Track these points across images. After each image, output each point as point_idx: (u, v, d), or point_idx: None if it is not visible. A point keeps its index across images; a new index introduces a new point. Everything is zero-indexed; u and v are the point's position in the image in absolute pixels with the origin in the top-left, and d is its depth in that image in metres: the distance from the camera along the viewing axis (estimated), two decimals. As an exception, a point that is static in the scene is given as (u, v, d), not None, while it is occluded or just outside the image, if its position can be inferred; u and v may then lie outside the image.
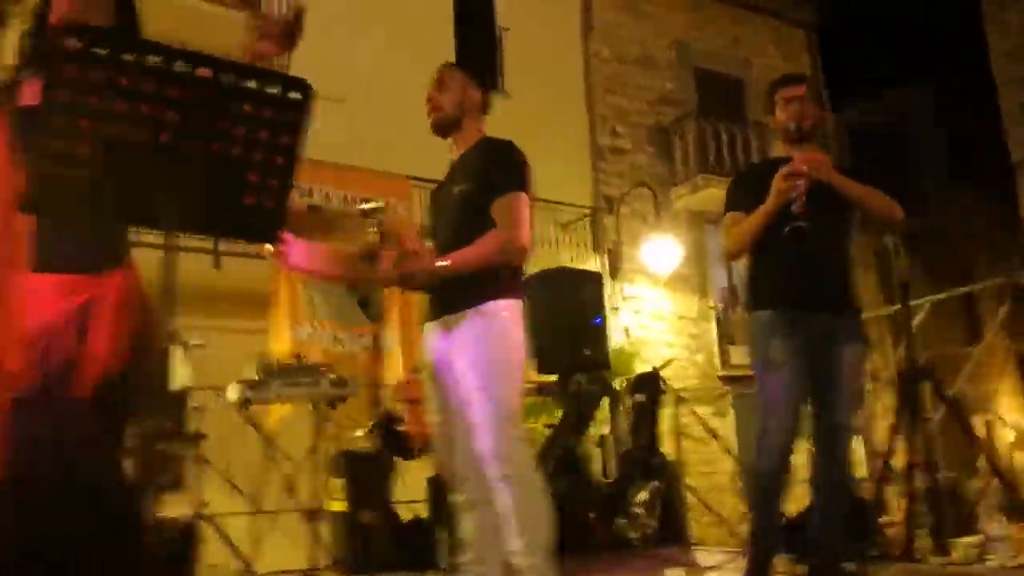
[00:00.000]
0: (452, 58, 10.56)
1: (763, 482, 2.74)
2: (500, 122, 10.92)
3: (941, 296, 5.58)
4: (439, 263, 2.37)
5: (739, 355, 11.71)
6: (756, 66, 13.86)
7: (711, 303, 12.22)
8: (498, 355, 2.32)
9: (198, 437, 4.05)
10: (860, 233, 3.50)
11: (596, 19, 12.05)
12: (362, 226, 2.38)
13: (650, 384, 5.26)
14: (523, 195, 2.43)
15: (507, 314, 2.37)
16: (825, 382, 2.77)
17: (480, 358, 2.31)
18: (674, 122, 12.19)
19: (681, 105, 12.38)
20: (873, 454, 6.14)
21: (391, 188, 8.45)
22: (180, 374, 4.05)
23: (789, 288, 2.79)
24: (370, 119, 9.23)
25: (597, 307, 5.13)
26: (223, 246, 7.59)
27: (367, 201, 2.57)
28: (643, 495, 4.76)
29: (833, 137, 14.33)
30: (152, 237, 1.70)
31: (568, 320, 4.99)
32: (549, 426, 5.41)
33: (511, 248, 2.38)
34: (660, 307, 11.61)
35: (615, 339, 10.93)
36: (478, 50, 10.98)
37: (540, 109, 10.89)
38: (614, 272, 11.15)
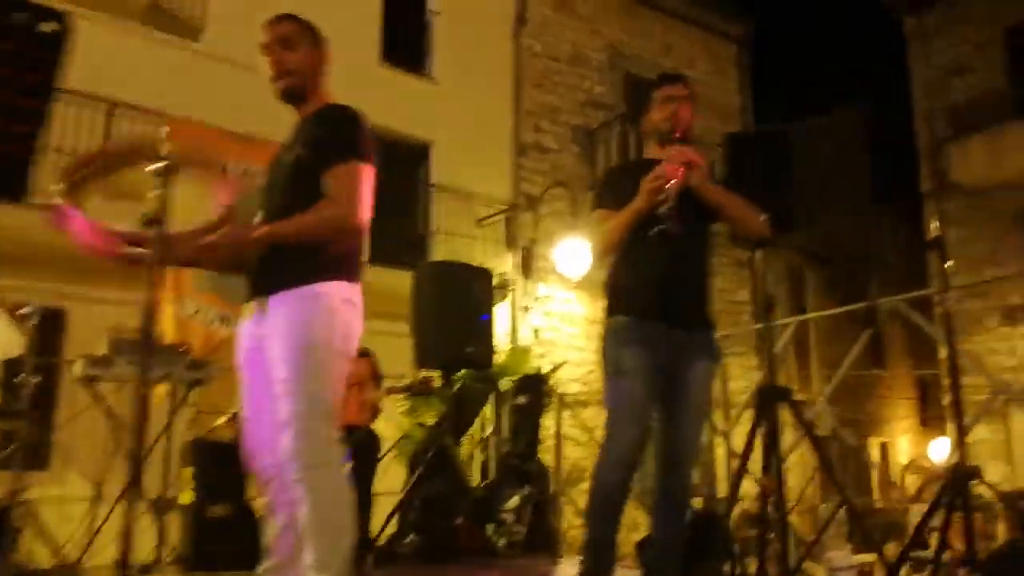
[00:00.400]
0: (377, 39, 10.35)
1: (603, 494, 2.59)
2: (425, 108, 10.80)
3: (799, 318, 5.57)
4: (251, 233, 2.12)
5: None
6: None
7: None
8: (313, 344, 2.08)
9: (21, 414, 3.69)
10: (735, 246, 3.43)
11: (530, 13, 11.89)
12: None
13: (534, 386, 5.11)
14: (361, 166, 2.17)
15: (331, 298, 2.12)
16: (674, 397, 2.66)
17: (292, 346, 2.07)
18: (601, 125, 12.13)
19: (609, 109, 12.32)
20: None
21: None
22: (7, 342, 3.69)
23: (650, 297, 2.65)
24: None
25: (486, 304, 4.95)
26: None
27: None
28: (514, 501, 4.61)
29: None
30: None
31: (454, 315, 4.79)
32: (422, 424, 5.21)
33: (340, 223, 2.13)
34: (572, 310, 11.53)
35: (521, 338, 10.86)
36: (406, 31, 10.70)
37: (466, 99, 10.68)
38: (527, 271, 11.02)
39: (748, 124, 14.73)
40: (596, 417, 7.67)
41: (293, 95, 2.34)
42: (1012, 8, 13.45)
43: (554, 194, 11.30)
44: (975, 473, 2.35)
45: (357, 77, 9.70)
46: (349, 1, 9.90)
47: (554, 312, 11.31)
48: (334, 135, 2.19)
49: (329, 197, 2.13)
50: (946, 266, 2.67)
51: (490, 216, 10.48)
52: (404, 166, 10.53)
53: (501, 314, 10.80)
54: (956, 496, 2.38)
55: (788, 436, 3.55)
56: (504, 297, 10.36)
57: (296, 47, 2.31)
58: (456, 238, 10.05)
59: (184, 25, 8.51)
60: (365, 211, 2.15)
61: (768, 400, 3.00)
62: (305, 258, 2.12)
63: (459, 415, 5.03)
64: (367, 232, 2.22)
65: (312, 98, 2.33)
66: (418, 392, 4.05)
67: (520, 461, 4.87)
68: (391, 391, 4.01)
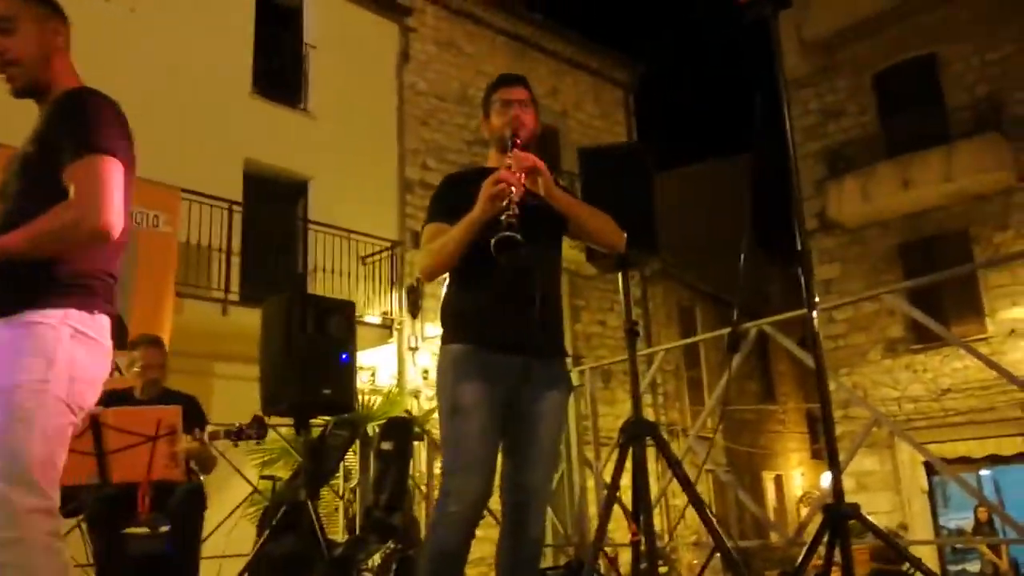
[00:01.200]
0: (248, 70, 9.90)
1: (440, 561, 2.21)
2: (301, 142, 10.33)
3: (661, 348, 5.41)
4: None
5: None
6: (573, 118, 14.01)
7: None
8: (18, 386, 1.64)
9: None
10: (596, 268, 3.15)
11: (413, 50, 11.69)
12: None
13: (400, 430, 4.69)
14: (106, 159, 1.75)
15: (51, 329, 1.68)
16: (521, 436, 2.31)
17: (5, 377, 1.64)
18: (489, 164, 11.97)
19: (497, 147, 12.18)
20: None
21: (158, 199, 7.53)
22: None
23: (491, 321, 2.30)
24: (149, 127, 8.26)
25: (347, 342, 4.52)
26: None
27: None
28: (376, 559, 4.15)
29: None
30: None
31: (306, 355, 4.34)
32: (269, 477, 4.71)
33: (78, 229, 1.71)
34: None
35: (410, 380, 10.41)
36: (281, 63, 10.28)
37: (347, 135, 10.31)
38: (414, 310, 10.63)
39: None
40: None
41: (28, 91, 1.89)
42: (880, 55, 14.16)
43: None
44: (850, 513, 2.11)
45: (227, 108, 9.27)
46: (219, 29, 9.46)
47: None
48: (67, 126, 1.76)
49: (72, 197, 1.72)
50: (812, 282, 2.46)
51: (373, 254, 10.07)
52: (281, 202, 10.03)
53: (386, 356, 10.35)
54: (834, 535, 2.13)
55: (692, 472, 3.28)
56: (389, 337, 9.92)
57: (15, 29, 1.84)
58: (338, 277, 9.58)
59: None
60: (114, 214, 1.72)
61: (634, 436, 2.70)
62: (21, 278, 1.68)
63: (316, 465, 4.54)
64: (117, 243, 1.81)
65: (53, 85, 1.88)
66: (244, 437, 3.57)
67: (385, 514, 4.41)
68: (211, 437, 3.51)
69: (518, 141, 2.34)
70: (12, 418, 1.61)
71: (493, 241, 2.08)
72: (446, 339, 2.37)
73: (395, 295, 10.27)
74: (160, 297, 7.45)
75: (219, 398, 6.77)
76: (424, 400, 10.45)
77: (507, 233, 2.07)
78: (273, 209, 9.85)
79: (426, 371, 10.57)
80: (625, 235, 2.50)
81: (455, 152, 11.87)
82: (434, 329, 10.76)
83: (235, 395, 5.59)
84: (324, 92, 10.38)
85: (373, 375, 10.00)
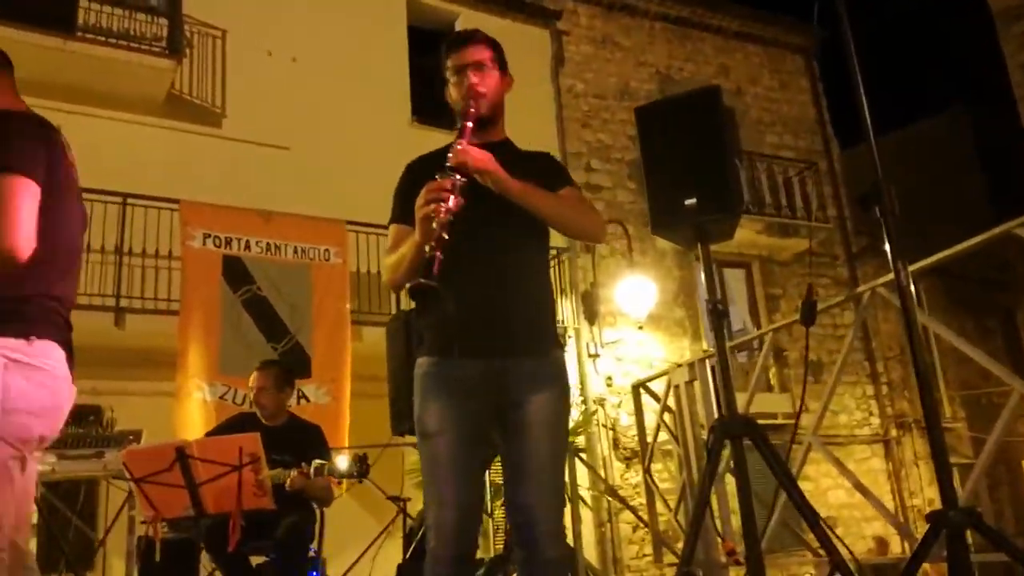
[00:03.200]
0: (407, 96, 10.18)
1: None
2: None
3: (767, 330, 4.68)
4: None
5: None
6: (748, 94, 13.13)
7: (704, 347, 11.31)
8: None
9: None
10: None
11: (567, 53, 11.49)
12: None
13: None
14: (10, 179, 1.65)
15: None
16: (511, 450, 2.01)
17: None
18: (658, 156, 11.47)
19: (665, 138, 11.65)
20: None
21: (326, 233, 7.90)
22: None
23: (458, 327, 2.02)
24: (317, 166, 8.73)
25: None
26: (125, 302, 7.10)
27: None
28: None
29: (845, 173, 13.45)
30: None
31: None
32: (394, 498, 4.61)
33: None
34: (648, 352, 10.73)
35: (592, 388, 10.12)
36: (435, 89, 10.47)
37: (504, 147, 10.28)
38: (591, 316, 10.36)
39: (828, 137, 13.70)
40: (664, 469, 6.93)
41: None
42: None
43: (612, 233, 10.68)
44: (967, 520, 1.59)
45: (389, 138, 9.56)
46: (375, 63, 9.81)
47: (627, 356, 10.53)
48: None
49: None
50: None
51: (542, 264, 9.93)
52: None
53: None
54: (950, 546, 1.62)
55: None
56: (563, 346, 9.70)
57: None
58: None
59: (205, 113, 8.56)
60: (19, 237, 1.62)
61: (727, 435, 2.28)
62: None
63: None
64: (64, 265, 1.74)
65: None
66: (346, 476, 3.42)
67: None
68: (316, 473, 3.38)
69: (468, 126, 2.03)
70: None
71: (408, 288, 1.83)
72: (417, 352, 2.12)
73: (567, 302, 10.05)
74: (338, 326, 7.75)
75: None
76: (610, 408, 10.14)
77: (420, 281, 1.80)
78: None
79: (610, 378, 10.25)
80: (604, 225, 2.25)
81: (620, 150, 11.50)
82: (613, 333, 10.44)
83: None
84: (480, 109, 10.43)
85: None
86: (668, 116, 2.63)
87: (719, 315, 2.46)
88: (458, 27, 11.03)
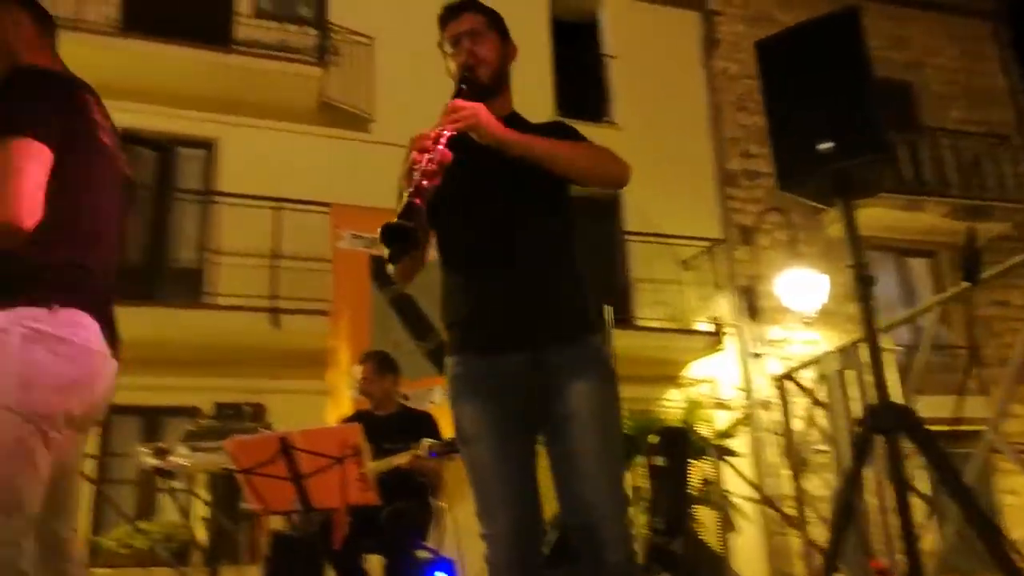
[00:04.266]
0: (550, 90, 9.97)
1: None
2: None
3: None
4: None
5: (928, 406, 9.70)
6: (929, 66, 11.90)
7: (888, 343, 10.30)
8: None
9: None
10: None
11: (720, 34, 10.87)
12: None
13: (673, 443, 4.07)
14: (13, 142, 1.53)
15: (11, 327, 1.51)
16: (556, 447, 1.80)
17: None
18: (824, 137, 10.61)
19: (831, 118, 10.77)
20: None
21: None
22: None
23: (477, 318, 1.85)
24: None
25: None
26: (280, 303, 7.34)
27: None
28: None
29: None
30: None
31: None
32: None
33: None
34: (818, 351, 9.89)
35: (756, 389, 9.45)
36: (581, 80, 10.23)
37: (656, 138, 9.84)
38: (752, 312, 9.69)
39: (1021, 107, 12.18)
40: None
41: None
42: None
43: (773, 222, 9.98)
44: None
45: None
46: (520, 58, 9.64)
47: (795, 355, 9.76)
48: None
49: None
50: None
51: (695, 256, 9.41)
52: (595, 219, 9.88)
53: (724, 364, 9.55)
54: None
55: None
56: (718, 344, 9.12)
57: None
58: (661, 286, 9.13)
59: (354, 119, 8.75)
60: (19, 205, 1.48)
61: (877, 431, 1.86)
62: None
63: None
64: (91, 232, 1.62)
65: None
66: (452, 451, 3.24)
67: (664, 539, 3.82)
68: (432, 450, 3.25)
69: (463, 88, 1.88)
70: None
71: (379, 232, 1.60)
72: (446, 352, 1.93)
73: (723, 297, 9.47)
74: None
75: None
76: (776, 411, 9.42)
77: (388, 223, 1.58)
78: (588, 227, 9.72)
79: (777, 378, 9.53)
80: (628, 168, 1.89)
81: (781, 133, 10.74)
82: (780, 332, 9.72)
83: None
84: (628, 100, 10.08)
85: (711, 387, 9.26)
86: (795, 48, 2.22)
87: (865, 283, 2.03)
88: (601, 17, 10.73)
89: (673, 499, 3.91)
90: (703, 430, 7.17)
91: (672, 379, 9.11)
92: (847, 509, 1.87)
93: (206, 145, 8.42)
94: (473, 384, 1.84)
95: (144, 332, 7.06)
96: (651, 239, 9.20)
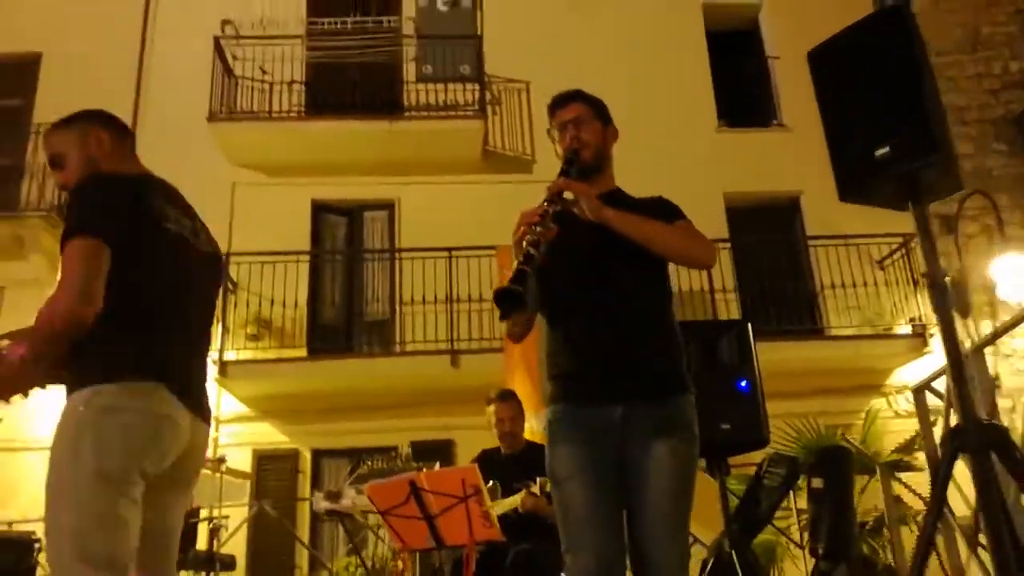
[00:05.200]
0: (711, 101, 9.75)
1: None
2: (781, 159, 9.89)
3: None
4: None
5: None
6: None
7: None
8: (54, 466, 1.76)
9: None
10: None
11: (894, 14, 10.13)
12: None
13: (832, 464, 3.86)
14: (80, 241, 1.80)
15: (84, 410, 1.77)
16: (633, 499, 1.94)
17: (49, 470, 1.77)
18: (1032, 106, 9.54)
19: (1038, 83, 9.65)
20: None
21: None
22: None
23: (580, 373, 2.04)
24: (624, 185, 8.78)
25: (740, 367, 3.97)
26: (458, 344, 7.75)
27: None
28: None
29: None
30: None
31: (704, 386, 3.94)
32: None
33: (54, 320, 1.75)
34: (1043, 346, 8.83)
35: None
36: (743, 86, 9.94)
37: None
38: (962, 309, 8.80)
39: None
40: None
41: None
42: None
43: (980, 207, 9.07)
44: None
45: (698, 145, 9.28)
46: (679, 73, 9.63)
47: (1018, 352, 8.77)
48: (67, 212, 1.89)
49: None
50: None
51: (889, 255, 8.76)
52: (772, 226, 9.49)
53: (925, 371, 8.73)
54: None
55: None
56: (924, 347, 8.38)
57: (66, 163, 2.07)
58: (852, 290, 8.59)
59: (516, 162, 9.12)
60: (78, 297, 1.75)
61: (961, 450, 1.75)
62: (71, 366, 1.82)
63: (745, 510, 4.00)
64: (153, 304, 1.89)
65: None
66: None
67: (828, 565, 3.62)
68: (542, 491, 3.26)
69: (567, 169, 2.12)
70: (51, 491, 1.75)
71: (493, 293, 1.91)
72: (545, 401, 2.12)
73: (923, 296, 8.72)
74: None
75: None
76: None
77: (500, 287, 1.84)
78: (764, 236, 9.36)
79: (996, 377, 8.58)
80: (714, 251, 2.11)
81: (979, 109, 9.77)
82: (993, 327, 8.76)
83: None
84: (795, 100, 9.63)
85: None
86: (843, 54, 2.13)
87: (940, 291, 1.90)
88: (761, 20, 10.40)
89: (834, 522, 3.70)
90: (884, 443, 6.65)
91: (875, 388, 8.50)
92: (928, 538, 1.74)
93: (388, 206, 9.12)
94: (569, 430, 2.00)
95: (346, 382, 7.80)
96: (837, 242, 8.69)
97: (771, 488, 4.11)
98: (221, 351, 7.76)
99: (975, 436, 1.71)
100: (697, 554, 3.58)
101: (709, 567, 3.88)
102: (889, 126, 1.91)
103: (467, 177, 8.90)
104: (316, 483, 7.84)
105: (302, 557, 7.55)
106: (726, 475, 3.93)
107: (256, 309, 7.98)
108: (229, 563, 3.78)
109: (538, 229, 1.93)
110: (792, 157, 9.31)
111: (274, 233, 8.35)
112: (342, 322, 8.70)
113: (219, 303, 8.19)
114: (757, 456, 4.26)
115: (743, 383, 3.97)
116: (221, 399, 8.05)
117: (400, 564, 3.45)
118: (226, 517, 3.95)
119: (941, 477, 1.72)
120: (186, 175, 9.98)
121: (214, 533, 3.66)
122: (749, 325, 4.13)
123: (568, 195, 2.08)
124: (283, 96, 9.02)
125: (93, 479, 1.73)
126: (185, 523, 3.79)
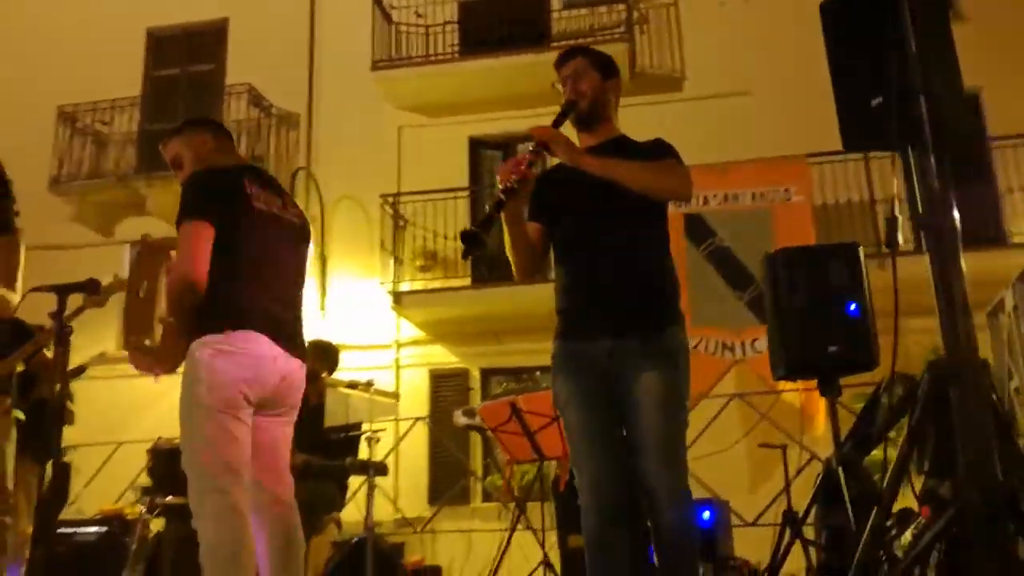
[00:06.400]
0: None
1: (591, 552, 2.15)
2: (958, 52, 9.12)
3: None
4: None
5: None
6: None
7: None
8: (183, 401, 2.27)
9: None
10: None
11: None
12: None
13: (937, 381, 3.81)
14: (189, 224, 2.30)
15: (199, 354, 2.27)
16: (628, 425, 2.17)
17: (180, 400, 2.29)
18: None
19: None
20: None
21: (786, 172, 7.70)
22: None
23: (573, 310, 2.29)
24: (772, 104, 8.53)
25: (851, 290, 4.00)
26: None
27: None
28: (906, 537, 3.51)
29: None
30: None
31: (806, 308, 4.05)
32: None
33: (174, 286, 2.29)
34: None
35: None
36: None
37: (1011, 23, 8.46)
38: None
39: None
40: None
41: None
42: None
43: None
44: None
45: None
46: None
47: None
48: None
49: None
50: None
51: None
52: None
53: None
54: None
55: None
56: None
57: (183, 164, 2.58)
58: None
59: (666, 81, 9.06)
60: (194, 267, 2.26)
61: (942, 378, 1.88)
62: (192, 323, 2.33)
63: (858, 427, 4.07)
64: (257, 272, 2.39)
65: None
66: None
67: (935, 482, 3.64)
68: None
69: (559, 117, 2.30)
70: (185, 430, 2.29)
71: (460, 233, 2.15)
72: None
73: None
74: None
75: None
76: None
77: (465, 229, 2.11)
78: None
79: None
80: (690, 182, 2.24)
81: None
82: None
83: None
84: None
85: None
86: (857, 8, 2.15)
87: (926, 228, 1.96)
88: None
89: (940, 439, 3.70)
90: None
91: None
92: (897, 476, 1.84)
93: (540, 139, 9.42)
94: (564, 363, 2.27)
95: (508, 307, 8.31)
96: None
97: (887, 406, 4.14)
98: (396, 283, 8.57)
99: (952, 366, 1.78)
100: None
101: (818, 484, 4.03)
102: (882, 76, 1.94)
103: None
104: (485, 399, 8.57)
105: (476, 462, 8.37)
106: (837, 396, 4.02)
107: (423, 243, 8.68)
108: (382, 469, 4.42)
109: (513, 178, 2.14)
110: (972, 50, 8.51)
111: (436, 171, 8.93)
112: (499, 253, 9.22)
113: (391, 239, 8.90)
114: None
115: (852, 307, 4.01)
116: (400, 325, 8.93)
117: (507, 473, 3.90)
118: (382, 430, 4.56)
119: (922, 420, 1.81)
120: (357, 122, 10.86)
121: (369, 443, 4.30)
122: (860, 248, 4.13)
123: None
124: (439, 38, 9.47)
125: (210, 407, 2.26)
126: (345, 435, 4.46)
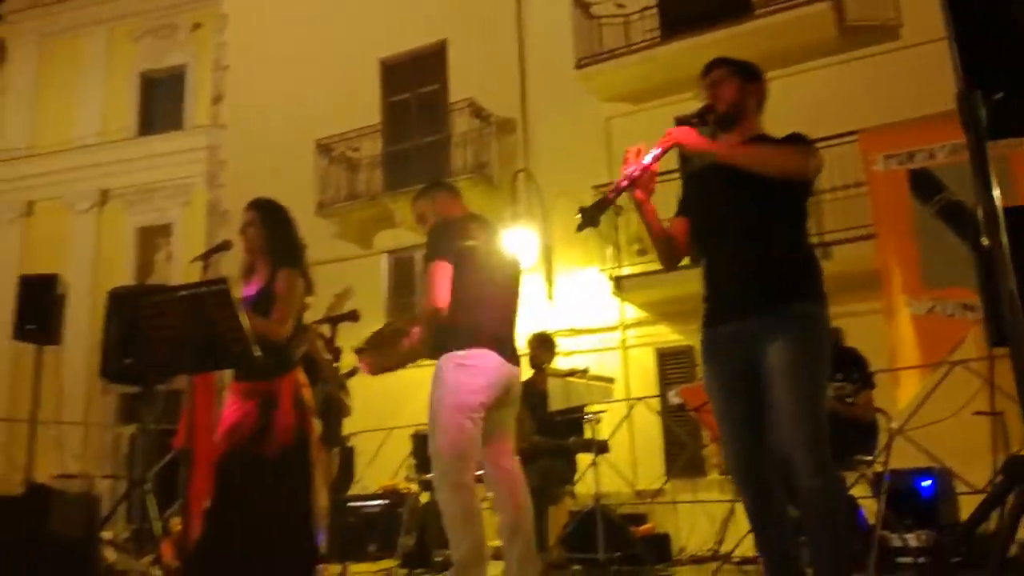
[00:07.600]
0: None
1: (749, 514, 2.44)
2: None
3: None
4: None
5: None
6: None
7: None
8: (434, 403, 2.88)
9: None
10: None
11: None
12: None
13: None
14: (434, 264, 2.95)
15: (445, 366, 2.91)
16: (765, 401, 2.34)
17: (429, 404, 2.91)
18: None
19: None
20: None
21: None
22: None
23: (713, 297, 2.52)
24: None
25: None
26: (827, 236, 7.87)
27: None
28: None
29: None
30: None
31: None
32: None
33: (424, 311, 2.98)
34: None
35: None
36: None
37: None
38: None
39: None
40: None
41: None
42: None
43: None
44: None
45: None
46: None
47: None
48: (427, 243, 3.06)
49: None
50: None
51: None
52: None
53: None
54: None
55: None
56: None
57: (426, 220, 3.24)
58: None
59: (880, 31, 8.64)
60: (436, 300, 2.89)
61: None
62: (438, 339, 2.99)
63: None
64: (486, 305, 2.98)
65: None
66: None
67: None
68: None
69: (693, 120, 2.52)
70: (434, 425, 2.91)
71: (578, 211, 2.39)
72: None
73: None
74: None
75: None
76: None
77: (583, 206, 2.35)
78: None
79: None
80: (816, 159, 2.36)
81: None
82: None
83: None
84: None
85: None
86: None
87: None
88: None
89: None
90: None
91: None
92: None
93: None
94: (707, 351, 2.53)
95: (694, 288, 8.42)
96: None
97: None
98: (615, 269, 9.02)
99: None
100: None
101: None
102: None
103: (823, 60, 8.72)
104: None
105: (707, 436, 8.61)
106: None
107: (637, 229, 9.02)
108: (603, 447, 4.93)
109: (635, 171, 2.40)
110: None
111: (646, 156, 9.18)
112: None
113: (612, 227, 9.27)
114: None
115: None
116: (624, 307, 9.39)
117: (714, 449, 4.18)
118: (603, 411, 5.04)
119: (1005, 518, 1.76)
120: (568, 119, 11.36)
121: (592, 424, 4.84)
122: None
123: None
124: (639, 24, 9.69)
125: (452, 409, 2.89)
126: (571, 417, 5.01)
